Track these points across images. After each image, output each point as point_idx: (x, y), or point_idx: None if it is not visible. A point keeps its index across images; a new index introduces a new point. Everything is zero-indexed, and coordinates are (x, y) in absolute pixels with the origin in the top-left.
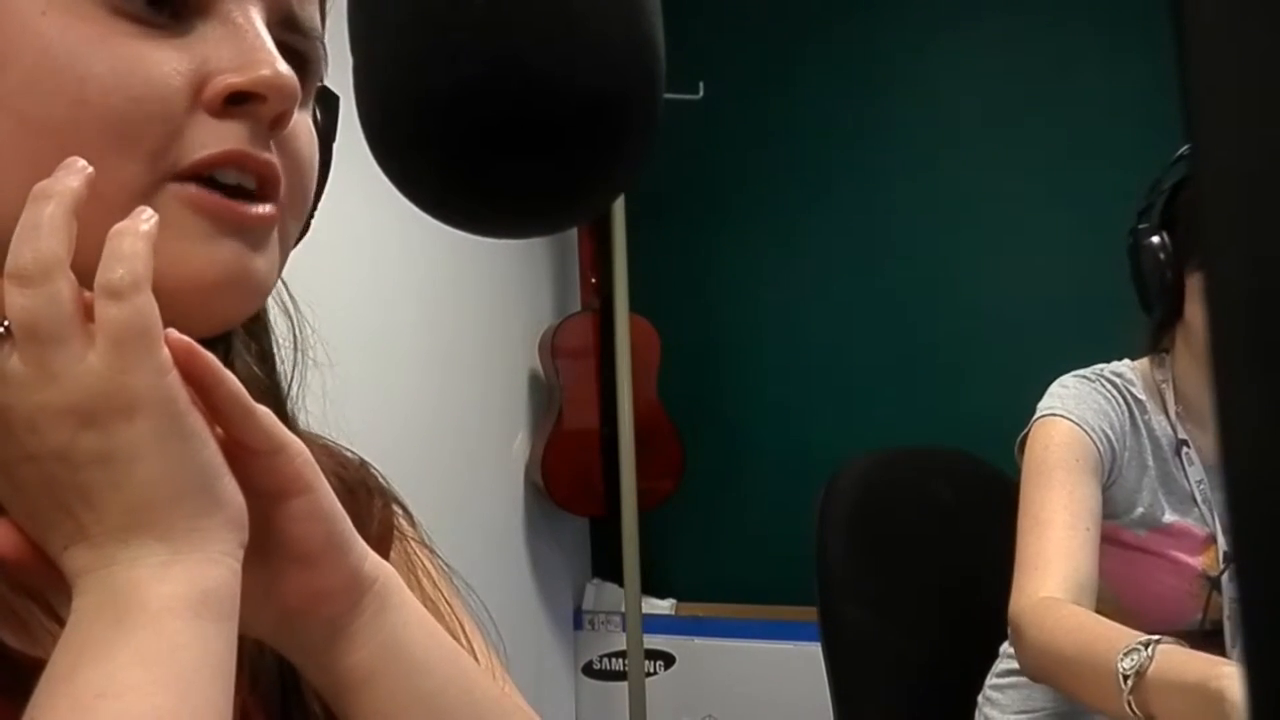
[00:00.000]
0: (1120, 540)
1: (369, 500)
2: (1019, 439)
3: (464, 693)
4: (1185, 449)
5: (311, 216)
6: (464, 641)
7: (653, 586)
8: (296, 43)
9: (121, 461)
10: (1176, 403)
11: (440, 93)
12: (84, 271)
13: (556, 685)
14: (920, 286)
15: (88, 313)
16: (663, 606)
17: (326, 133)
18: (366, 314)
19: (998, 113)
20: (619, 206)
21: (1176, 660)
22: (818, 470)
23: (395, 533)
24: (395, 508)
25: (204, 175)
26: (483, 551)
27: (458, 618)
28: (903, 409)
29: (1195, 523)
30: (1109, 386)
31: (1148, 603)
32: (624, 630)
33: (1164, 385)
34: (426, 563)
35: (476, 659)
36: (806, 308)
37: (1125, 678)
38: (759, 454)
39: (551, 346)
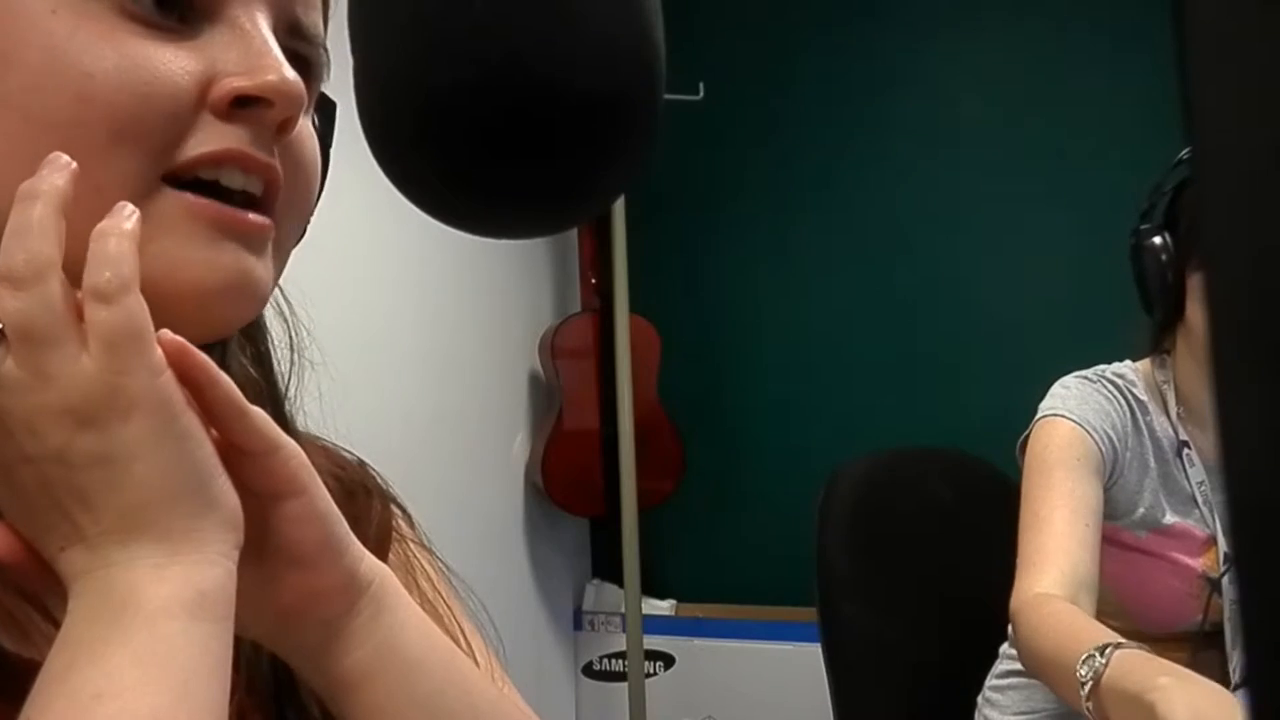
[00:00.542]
0: (1121, 541)
1: (368, 501)
2: (1020, 440)
3: (462, 694)
4: (1186, 450)
5: (309, 218)
6: (463, 643)
7: (652, 587)
8: (301, 49)
9: (119, 462)
10: (1178, 404)
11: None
12: (79, 270)
13: (556, 686)
14: (921, 286)
15: (81, 313)
16: (662, 607)
17: (323, 139)
18: (367, 315)
19: (998, 112)
20: (619, 206)
21: (1128, 668)
22: (818, 470)
23: (394, 534)
24: (394, 509)
25: (206, 180)
26: (482, 552)
27: (457, 619)
28: (903, 409)
29: (1196, 524)
30: (1110, 387)
31: (1148, 604)
32: (624, 631)
33: (1165, 386)
34: (425, 564)
35: (476, 660)
36: (806, 308)
37: (1083, 683)
38: (759, 454)
39: (551, 347)
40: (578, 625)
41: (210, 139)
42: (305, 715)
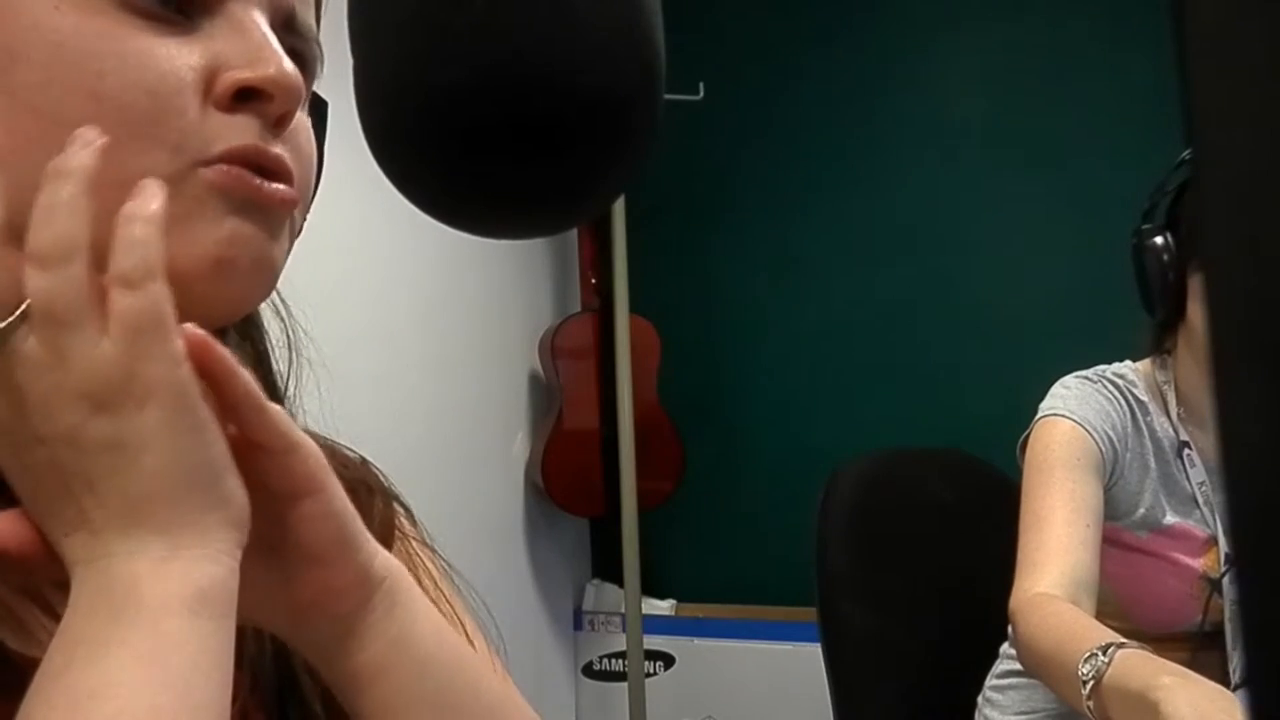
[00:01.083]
0: (1121, 542)
1: (370, 499)
2: (1021, 440)
3: (470, 688)
4: (1187, 450)
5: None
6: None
7: (652, 587)
8: (296, 44)
9: (129, 450)
10: (1178, 404)
11: (440, 93)
12: (104, 253)
13: (556, 686)
14: (920, 287)
15: (105, 296)
16: (662, 607)
17: (316, 138)
18: (367, 315)
19: (998, 112)
20: (619, 206)
21: (1130, 667)
22: (818, 470)
23: (396, 532)
24: (396, 506)
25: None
26: (482, 552)
27: (459, 617)
28: (903, 409)
29: (1197, 524)
30: (1111, 387)
31: (1148, 604)
32: (624, 631)
33: (1166, 386)
34: (428, 562)
35: None
36: (806, 308)
37: (1085, 682)
38: (759, 454)
39: (551, 347)
40: (578, 625)
41: (226, 134)
42: (309, 715)
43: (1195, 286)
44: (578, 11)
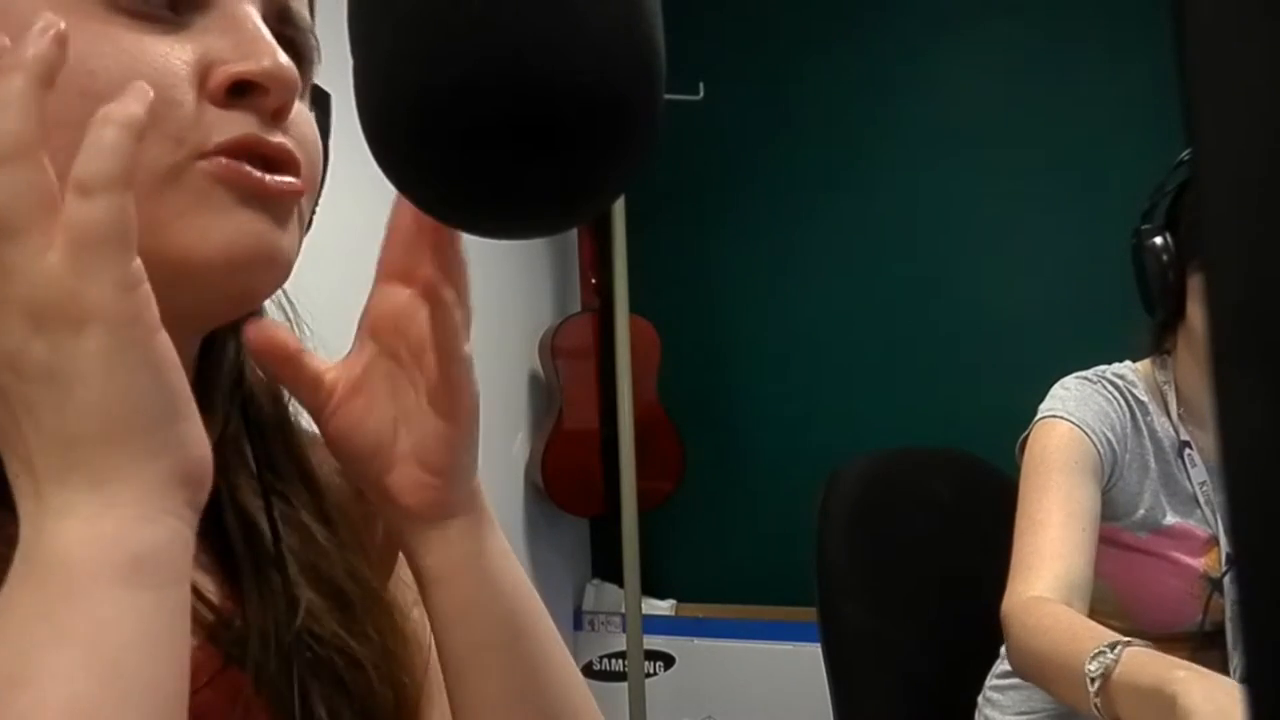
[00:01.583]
0: (1121, 542)
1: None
2: (1019, 440)
3: (540, 614)
4: (1188, 450)
5: (312, 215)
6: None
7: (653, 587)
8: (291, 35)
9: (61, 381)
10: (1179, 404)
11: (439, 92)
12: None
13: None
14: (921, 287)
15: None
16: (662, 607)
17: (321, 131)
18: None
19: (998, 112)
20: (619, 206)
21: (1140, 664)
22: (818, 470)
23: None
24: None
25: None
26: None
27: None
28: (903, 409)
29: (1198, 524)
30: (1110, 388)
31: (1149, 604)
32: (624, 631)
33: (1166, 386)
34: None
35: None
36: (806, 308)
37: (1093, 680)
38: (759, 454)
39: (551, 347)
40: (578, 625)
41: (223, 126)
42: (312, 717)
43: (1195, 286)
44: (578, 11)
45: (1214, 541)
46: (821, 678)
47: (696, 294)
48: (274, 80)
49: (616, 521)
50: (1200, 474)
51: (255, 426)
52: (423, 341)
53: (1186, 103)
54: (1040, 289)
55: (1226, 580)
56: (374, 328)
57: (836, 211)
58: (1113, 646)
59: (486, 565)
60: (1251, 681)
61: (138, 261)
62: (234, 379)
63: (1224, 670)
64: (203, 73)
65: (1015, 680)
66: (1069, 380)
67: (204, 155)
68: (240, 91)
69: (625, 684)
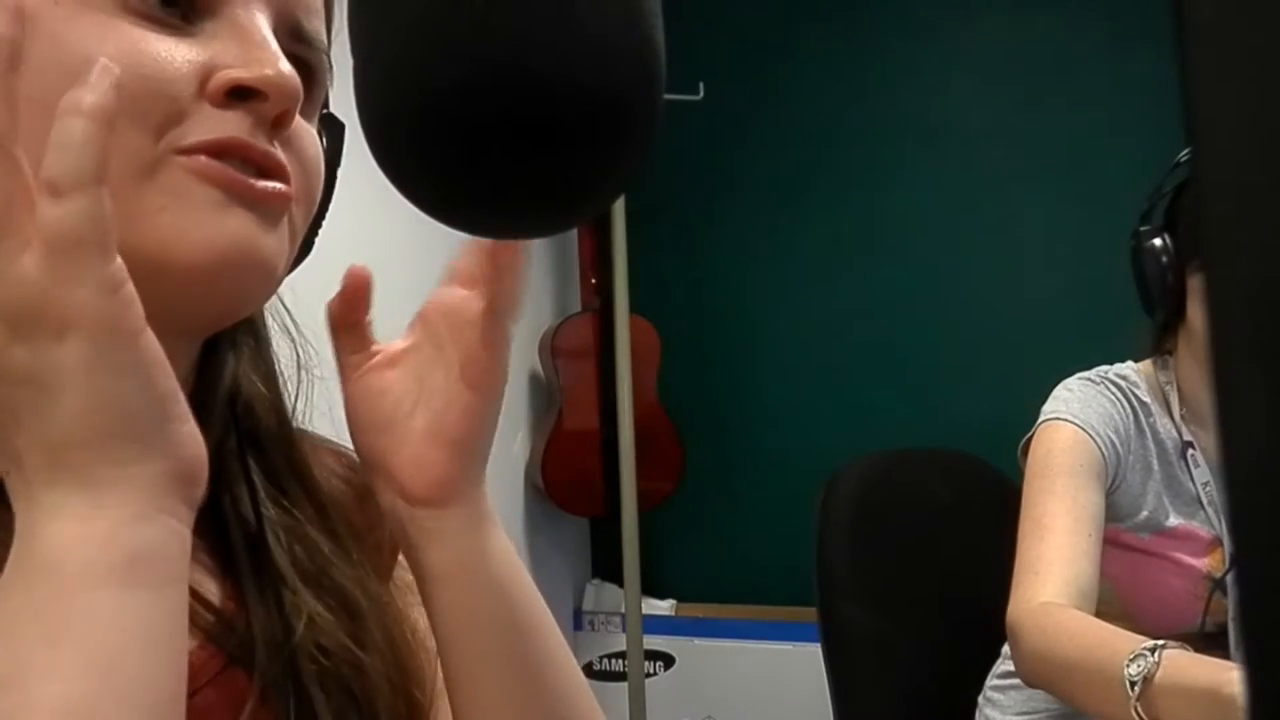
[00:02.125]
0: (1124, 543)
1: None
2: (1022, 443)
3: (541, 613)
4: (1190, 451)
5: (315, 235)
6: None
7: (652, 587)
8: (303, 52)
9: (44, 388)
10: (1181, 405)
11: (440, 93)
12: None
13: None
14: (921, 287)
15: None
16: (662, 607)
17: (331, 159)
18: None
19: (998, 113)
20: (619, 206)
21: (1184, 665)
22: (818, 471)
23: None
24: None
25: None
26: None
27: None
28: (902, 410)
29: (1201, 525)
30: (1113, 389)
31: (1151, 605)
32: (624, 631)
33: (1168, 387)
34: None
35: None
36: (806, 308)
37: (1133, 684)
38: (759, 454)
39: (551, 347)
40: (578, 625)
41: (211, 126)
42: None
43: (1195, 287)
44: (578, 12)
45: (1218, 542)
46: (821, 678)
47: (696, 294)
48: (273, 87)
49: (616, 521)
50: (1204, 475)
51: (255, 438)
52: (467, 323)
53: (1186, 103)
54: (1041, 289)
55: (1229, 580)
56: (425, 315)
57: (836, 211)
58: (1152, 649)
59: (489, 564)
60: (1252, 681)
61: (118, 262)
62: (231, 390)
63: None
64: (204, 75)
65: (1015, 680)
66: (1072, 381)
67: (183, 151)
68: (241, 96)
69: (625, 684)
